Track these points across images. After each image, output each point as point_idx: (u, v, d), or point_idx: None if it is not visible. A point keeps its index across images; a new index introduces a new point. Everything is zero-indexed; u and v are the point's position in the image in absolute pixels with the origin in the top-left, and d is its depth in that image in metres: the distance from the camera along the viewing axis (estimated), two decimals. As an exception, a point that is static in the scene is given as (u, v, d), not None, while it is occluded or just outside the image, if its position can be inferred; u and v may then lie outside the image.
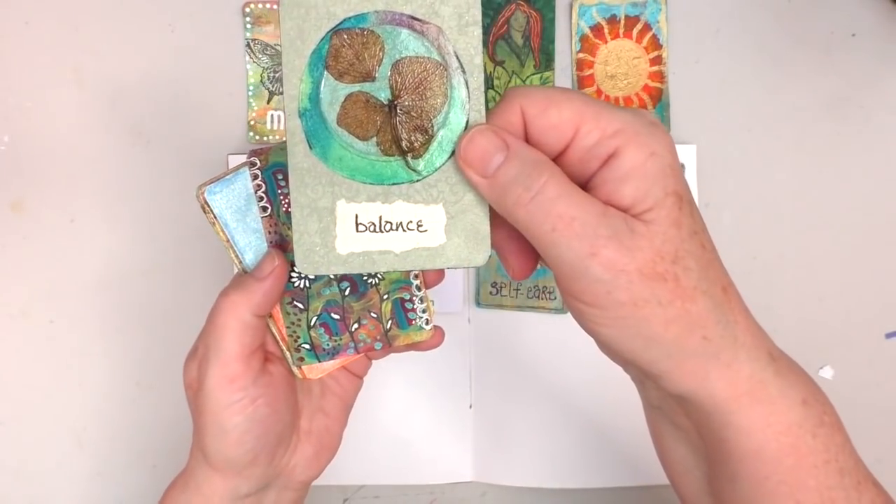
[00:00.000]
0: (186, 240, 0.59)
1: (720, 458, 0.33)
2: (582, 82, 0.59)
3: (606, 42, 0.59)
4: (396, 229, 0.32)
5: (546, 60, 0.59)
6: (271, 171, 0.38)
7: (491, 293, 0.59)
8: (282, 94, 0.59)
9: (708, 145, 0.59)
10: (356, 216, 0.32)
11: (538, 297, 0.59)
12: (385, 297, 0.39)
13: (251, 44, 0.59)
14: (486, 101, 0.31)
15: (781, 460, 0.32)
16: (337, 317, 0.39)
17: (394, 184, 0.31)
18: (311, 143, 0.32)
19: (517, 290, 0.59)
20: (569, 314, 0.59)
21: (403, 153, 0.31)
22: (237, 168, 0.39)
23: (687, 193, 0.31)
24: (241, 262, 0.40)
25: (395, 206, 0.31)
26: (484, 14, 0.59)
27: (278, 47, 0.59)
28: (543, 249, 0.30)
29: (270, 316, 0.40)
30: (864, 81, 0.60)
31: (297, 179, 0.32)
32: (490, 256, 0.32)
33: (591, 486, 0.58)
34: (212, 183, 0.38)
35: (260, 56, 0.59)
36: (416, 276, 0.39)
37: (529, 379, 0.58)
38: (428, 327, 0.39)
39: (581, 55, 0.59)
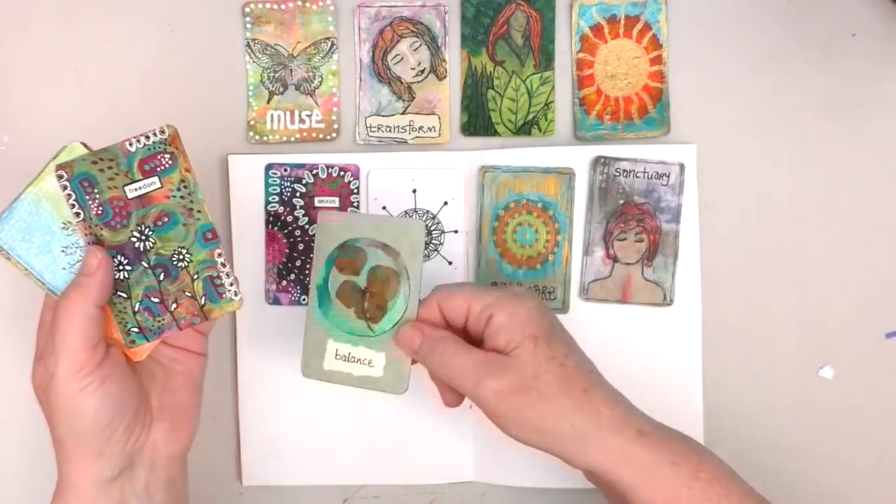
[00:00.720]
0: (186, 240, 0.59)
1: None
2: (582, 82, 0.59)
3: (606, 42, 0.59)
4: (357, 362, 0.49)
5: (546, 60, 0.59)
6: (77, 181, 0.44)
7: (491, 293, 0.59)
8: (282, 94, 0.59)
9: (708, 145, 0.59)
10: (336, 349, 0.50)
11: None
12: (195, 276, 0.46)
13: (251, 44, 0.59)
14: (419, 298, 0.49)
15: None
16: (156, 300, 0.46)
17: (359, 336, 0.49)
18: (320, 303, 0.50)
19: (517, 290, 0.59)
20: (568, 314, 0.59)
21: (367, 319, 0.49)
22: (10, 204, 0.45)
23: (544, 334, 0.46)
24: (44, 285, 0.46)
25: (358, 348, 0.49)
26: (484, 14, 0.59)
27: (278, 47, 0.59)
28: (454, 387, 0.47)
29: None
30: (865, 81, 0.60)
31: (310, 323, 0.50)
32: (406, 390, 0.50)
33: (591, 487, 0.58)
34: None
35: (260, 56, 0.59)
36: (220, 255, 0.46)
37: (529, 379, 0.59)
38: (237, 298, 0.47)
39: (581, 55, 0.59)
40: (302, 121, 0.59)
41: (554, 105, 0.59)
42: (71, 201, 0.45)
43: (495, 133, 0.59)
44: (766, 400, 0.59)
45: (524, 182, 0.58)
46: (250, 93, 0.59)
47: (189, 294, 0.46)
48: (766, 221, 0.59)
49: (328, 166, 0.59)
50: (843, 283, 0.59)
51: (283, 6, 0.59)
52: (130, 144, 0.44)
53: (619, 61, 0.59)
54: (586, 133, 0.59)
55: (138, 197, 0.45)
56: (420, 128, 0.59)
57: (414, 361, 0.49)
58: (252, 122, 0.59)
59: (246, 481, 0.60)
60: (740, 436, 0.59)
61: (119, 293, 0.46)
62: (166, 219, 0.45)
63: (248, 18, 0.59)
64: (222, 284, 0.47)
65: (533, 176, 0.58)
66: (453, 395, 0.49)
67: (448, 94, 0.59)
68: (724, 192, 0.59)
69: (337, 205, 0.59)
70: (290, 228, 0.59)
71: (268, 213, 0.59)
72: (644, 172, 0.58)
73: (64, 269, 0.46)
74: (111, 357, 0.46)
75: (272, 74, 0.59)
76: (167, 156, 0.45)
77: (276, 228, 0.59)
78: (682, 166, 0.58)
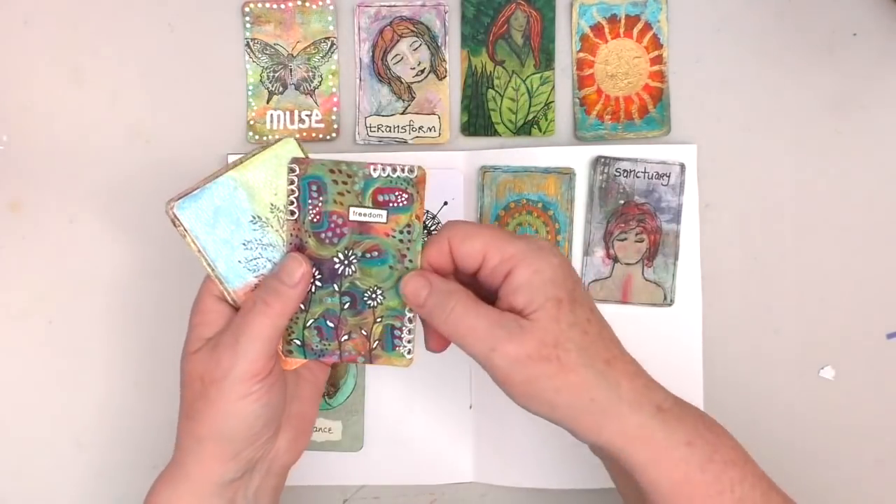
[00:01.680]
0: (186, 240, 0.59)
1: (641, 491, 0.43)
2: (582, 82, 0.59)
3: (607, 41, 0.59)
4: (318, 430, 0.54)
5: (546, 60, 0.59)
6: (307, 181, 0.43)
7: (491, 293, 0.59)
8: (281, 93, 0.59)
9: (708, 145, 0.59)
10: None
11: (538, 297, 0.59)
12: (379, 319, 0.44)
13: (251, 43, 0.59)
14: (423, 240, 0.44)
15: (677, 492, 0.41)
16: (332, 325, 0.44)
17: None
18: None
19: (517, 290, 0.59)
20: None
21: (324, 396, 0.51)
22: (205, 182, 0.44)
23: (567, 296, 0.41)
24: (213, 270, 0.44)
25: (318, 419, 0.50)
26: (484, 13, 0.59)
27: (278, 47, 0.59)
28: (463, 349, 0.42)
29: None
30: (865, 81, 0.59)
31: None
32: (361, 447, 0.57)
33: (591, 487, 0.58)
34: (181, 199, 0.43)
35: (259, 56, 0.59)
36: (411, 309, 0.44)
37: (529, 379, 0.58)
38: (409, 356, 0.45)
39: (581, 55, 0.59)
40: (302, 121, 0.59)
41: (554, 105, 0.59)
42: (292, 198, 0.43)
43: (495, 133, 0.59)
44: (767, 400, 0.59)
45: (524, 182, 0.58)
46: (250, 92, 0.59)
47: (365, 333, 0.44)
48: (767, 221, 0.59)
49: (328, 166, 0.59)
50: (844, 283, 0.59)
51: (282, 6, 0.59)
52: (375, 170, 0.43)
53: (620, 61, 0.59)
54: (586, 133, 0.59)
55: (359, 222, 0.43)
56: (420, 128, 0.59)
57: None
58: (252, 122, 0.59)
59: (246, 481, 0.60)
60: (740, 436, 0.59)
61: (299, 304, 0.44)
62: (376, 254, 0.44)
63: (247, 18, 0.59)
64: (401, 337, 0.44)
65: (533, 176, 0.58)
66: (441, 340, 0.45)
67: (448, 94, 0.59)
68: (725, 192, 0.59)
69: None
70: (289, 228, 0.59)
71: (268, 213, 0.59)
72: (644, 172, 0.58)
73: (240, 262, 0.44)
74: (278, 367, 0.44)
75: (272, 74, 0.59)
76: (405, 195, 0.43)
77: (275, 228, 0.59)
78: (682, 166, 0.58)
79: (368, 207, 0.43)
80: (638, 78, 0.59)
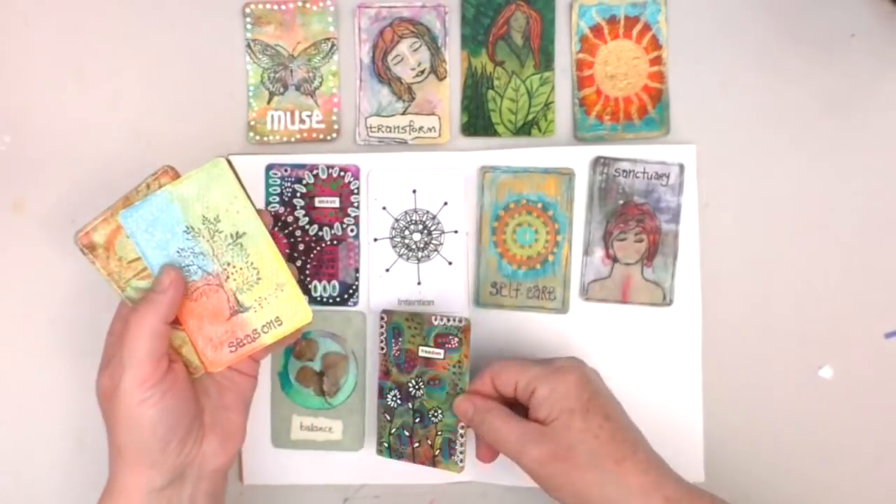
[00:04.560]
0: (187, 240, 0.59)
1: None
2: (582, 82, 0.60)
3: (606, 42, 0.59)
4: (319, 430, 0.59)
5: (546, 60, 0.59)
6: (392, 328, 0.56)
7: (491, 293, 0.59)
8: (282, 94, 0.59)
9: (708, 145, 0.59)
10: (300, 422, 0.59)
11: (538, 297, 0.59)
12: (439, 433, 0.55)
13: (251, 44, 0.59)
14: (468, 372, 0.55)
15: None
16: (407, 434, 0.56)
17: (319, 409, 0.59)
18: (283, 386, 0.60)
19: (517, 290, 0.59)
20: (568, 314, 0.59)
21: (325, 395, 0.59)
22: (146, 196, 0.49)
23: (580, 407, 0.50)
24: (151, 273, 0.50)
25: (318, 419, 0.59)
26: (484, 14, 0.59)
27: (278, 48, 0.59)
28: (501, 452, 0.52)
29: (179, 324, 0.49)
30: (864, 81, 0.60)
31: (275, 403, 0.60)
32: (362, 447, 0.60)
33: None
34: (124, 209, 0.49)
35: (260, 56, 0.59)
36: (463, 427, 0.54)
37: (529, 379, 0.59)
38: (461, 465, 0.55)
39: (581, 55, 0.60)
40: (302, 121, 0.59)
41: (554, 105, 0.59)
42: (382, 340, 0.56)
43: (495, 133, 0.59)
44: (766, 400, 0.59)
45: (524, 182, 0.59)
46: (250, 93, 0.60)
47: (429, 443, 0.55)
48: (766, 221, 0.59)
49: (328, 167, 0.59)
50: (843, 283, 0.59)
51: (283, 7, 0.59)
52: (436, 319, 0.54)
53: (619, 62, 0.60)
54: (586, 133, 0.59)
55: (425, 358, 0.55)
56: (420, 128, 0.59)
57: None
58: (252, 123, 0.59)
59: (246, 480, 0.60)
60: (740, 436, 0.59)
61: (386, 415, 0.56)
62: (437, 383, 0.55)
63: (248, 19, 0.59)
64: (455, 449, 0.55)
65: (533, 176, 0.59)
66: (490, 453, 0.55)
67: (448, 95, 0.59)
68: (724, 192, 0.59)
69: (337, 205, 0.59)
70: (290, 228, 0.59)
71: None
72: (644, 173, 0.58)
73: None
74: (173, 372, 0.48)
75: (272, 75, 0.59)
76: (456, 339, 0.54)
77: (276, 229, 0.59)
78: (681, 166, 0.58)
79: (431, 347, 0.55)
80: (637, 78, 0.59)
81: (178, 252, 0.49)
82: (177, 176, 0.50)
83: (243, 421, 0.53)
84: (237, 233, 0.49)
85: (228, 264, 0.49)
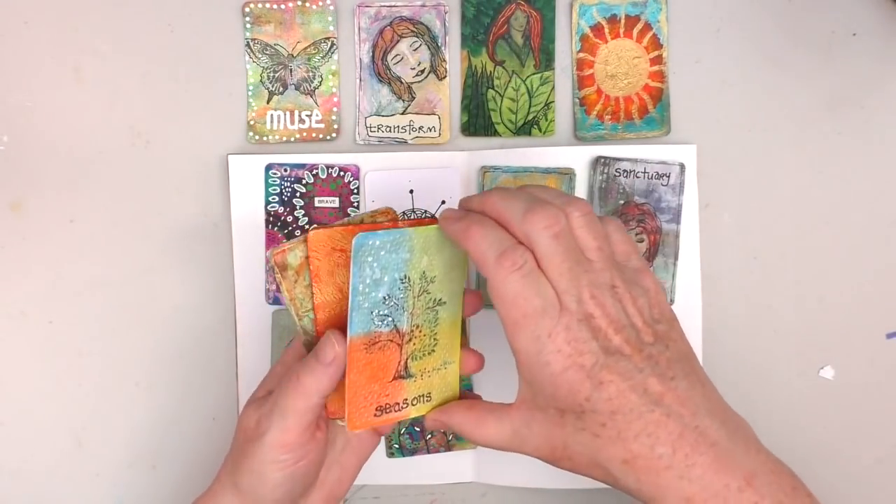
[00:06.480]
0: (186, 240, 0.59)
1: None
2: (582, 82, 0.59)
3: (607, 42, 0.59)
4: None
5: (546, 60, 0.59)
6: None
7: (491, 293, 0.59)
8: (281, 94, 0.59)
9: (708, 145, 0.59)
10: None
11: (538, 297, 0.59)
12: None
13: (251, 44, 0.59)
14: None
15: None
16: (418, 429, 0.56)
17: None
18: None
19: (517, 290, 0.59)
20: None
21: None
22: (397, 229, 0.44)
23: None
24: (346, 306, 0.44)
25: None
26: (484, 14, 0.59)
27: (278, 47, 0.59)
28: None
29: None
30: (865, 81, 0.60)
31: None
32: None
33: (591, 487, 0.58)
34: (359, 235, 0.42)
35: (260, 56, 0.59)
36: None
37: (529, 379, 0.59)
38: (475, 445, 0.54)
39: (581, 55, 0.59)
40: (302, 121, 0.59)
41: (554, 105, 0.59)
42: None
43: (495, 133, 0.59)
44: (767, 400, 0.59)
45: (524, 182, 0.58)
46: (250, 93, 0.59)
47: (441, 430, 0.55)
48: (767, 221, 0.59)
49: (328, 166, 0.59)
50: (844, 283, 0.59)
51: (282, 6, 0.59)
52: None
53: (620, 61, 0.59)
54: (586, 133, 0.59)
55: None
56: (420, 128, 0.59)
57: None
58: (252, 122, 0.59)
59: (246, 481, 0.60)
60: (740, 436, 0.59)
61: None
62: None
63: (247, 18, 0.59)
64: None
65: (533, 176, 0.58)
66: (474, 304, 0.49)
67: (448, 94, 0.59)
68: (725, 192, 0.59)
69: (337, 205, 0.59)
70: (290, 228, 0.59)
71: (268, 213, 0.59)
72: (644, 172, 0.58)
73: (372, 311, 0.44)
74: (314, 441, 0.46)
75: (272, 74, 0.59)
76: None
77: (276, 229, 0.59)
78: (682, 166, 0.58)
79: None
80: (638, 78, 0.59)
81: (384, 298, 0.44)
82: (395, 219, 0.46)
83: (350, 483, 0.50)
84: (440, 300, 0.46)
85: (417, 327, 0.46)
